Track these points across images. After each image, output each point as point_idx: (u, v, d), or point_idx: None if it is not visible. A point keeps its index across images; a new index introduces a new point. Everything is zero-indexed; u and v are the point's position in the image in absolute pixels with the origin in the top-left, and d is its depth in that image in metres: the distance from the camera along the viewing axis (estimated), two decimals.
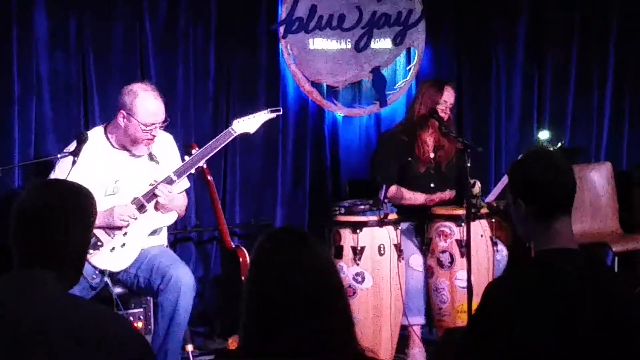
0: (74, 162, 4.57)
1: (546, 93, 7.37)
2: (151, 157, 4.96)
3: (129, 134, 4.83)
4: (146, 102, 4.77)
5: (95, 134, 4.94)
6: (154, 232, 4.99)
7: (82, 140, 4.64)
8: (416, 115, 5.80)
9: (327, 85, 6.74)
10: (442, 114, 5.69)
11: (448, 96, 5.77)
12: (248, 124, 5.11)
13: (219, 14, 6.32)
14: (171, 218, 5.05)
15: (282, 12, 6.51)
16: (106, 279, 4.77)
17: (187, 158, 5.02)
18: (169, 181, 4.82)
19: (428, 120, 5.72)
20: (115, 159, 4.90)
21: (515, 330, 2.65)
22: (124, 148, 4.92)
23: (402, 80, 6.93)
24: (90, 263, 4.72)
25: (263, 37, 6.51)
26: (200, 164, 5.02)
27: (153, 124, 4.81)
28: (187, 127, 6.17)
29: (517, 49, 7.27)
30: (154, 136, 4.87)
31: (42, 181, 3.23)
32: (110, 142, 4.92)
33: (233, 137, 5.04)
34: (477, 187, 5.48)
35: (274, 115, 5.25)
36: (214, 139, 5.04)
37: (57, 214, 2.51)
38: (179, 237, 6.22)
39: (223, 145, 5.04)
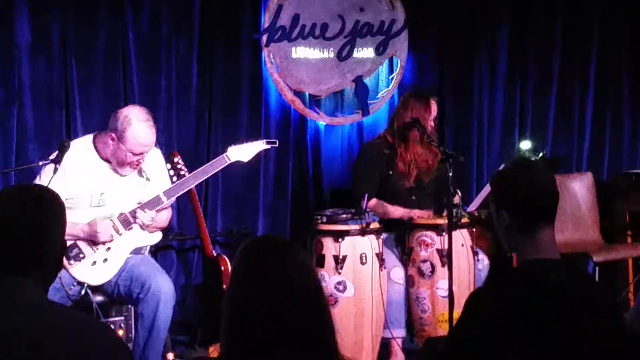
0: (55, 170, 4.55)
1: (528, 103, 7.40)
2: (141, 172, 4.96)
3: (116, 156, 4.80)
4: (138, 133, 4.72)
5: (83, 143, 4.91)
6: (137, 251, 4.97)
7: (63, 148, 4.62)
8: (399, 128, 5.81)
9: (310, 94, 6.74)
10: (429, 128, 5.72)
11: (434, 110, 5.80)
12: (243, 152, 5.11)
13: (202, 22, 6.32)
14: (156, 238, 5.05)
15: (265, 21, 6.51)
16: (84, 290, 4.77)
17: (175, 179, 5.04)
18: (157, 201, 4.83)
19: (411, 131, 5.73)
20: (102, 171, 4.87)
21: (498, 340, 2.65)
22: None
23: (384, 90, 6.94)
24: (69, 273, 4.72)
25: (245, 46, 6.51)
26: (191, 187, 5.07)
27: (141, 153, 4.81)
28: (169, 136, 6.15)
29: (500, 58, 7.29)
30: (140, 163, 4.87)
31: (8, 188, 3.22)
32: (98, 154, 4.89)
33: (227, 164, 5.05)
34: (457, 197, 5.50)
35: (269, 146, 5.30)
36: (208, 164, 5.07)
37: (27, 219, 2.49)
38: (161, 245, 6.19)
39: (216, 171, 5.07)
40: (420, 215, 5.67)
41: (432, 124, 5.81)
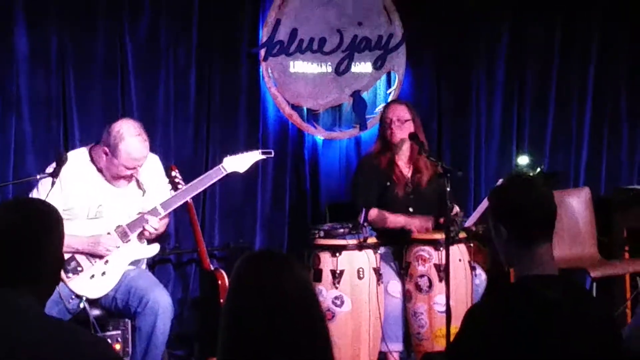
0: (53, 183, 4.56)
1: (525, 117, 7.40)
2: (138, 184, 4.96)
3: (110, 169, 4.84)
4: (130, 148, 4.76)
5: (80, 155, 4.93)
6: (135, 262, 4.97)
7: (61, 161, 4.63)
8: (387, 141, 5.84)
9: (308, 109, 6.74)
10: (394, 130, 5.76)
11: (391, 112, 5.84)
12: (239, 162, 5.15)
13: (200, 35, 6.33)
14: (153, 250, 5.05)
15: (263, 35, 6.52)
16: (83, 304, 4.75)
17: (172, 192, 5.04)
18: (154, 213, 4.83)
19: (402, 144, 5.78)
20: (99, 183, 4.89)
21: (495, 356, 2.64)
22: None
23: (382, 104, 6.92)
24: (67, 286, 4.71)
25: (244, 60, 6.51)
26: (188, 199, 5.07)
27: (134, 167, 4.83)
28: (167, 148, 6.15)
29: (497, 73, 7.30)
30: (134, 176, 4.90)
31: (5, 201, 3.21)
32: (95, 165, 4.90)
33: (223, 175, 5.06)
34: (455, 211, 5.49)
35: (264, 156, 5.33)
36: (204, 175, 5.09)
37: (25, 233, 2.49)
38: (158, 258, 6.18)
39: (213, 182, 5.07)
40: (420, 225, 5.66)
41: (402, 126, 5.78)
